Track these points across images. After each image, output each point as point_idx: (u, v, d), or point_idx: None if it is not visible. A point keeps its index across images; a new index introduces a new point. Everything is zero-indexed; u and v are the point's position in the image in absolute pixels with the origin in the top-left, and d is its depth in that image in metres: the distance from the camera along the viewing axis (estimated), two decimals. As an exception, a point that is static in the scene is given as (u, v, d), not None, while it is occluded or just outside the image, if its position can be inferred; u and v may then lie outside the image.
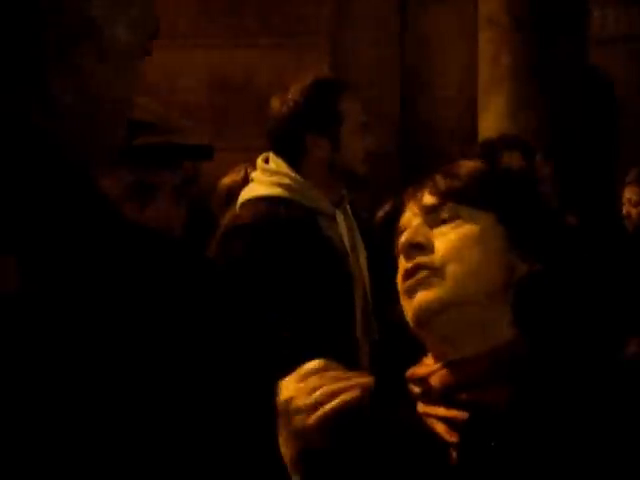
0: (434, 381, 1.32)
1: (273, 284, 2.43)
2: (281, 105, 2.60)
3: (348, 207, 2.68)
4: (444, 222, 1.35)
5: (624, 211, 4.31)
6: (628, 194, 4.28)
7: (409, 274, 1.33)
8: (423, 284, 1.31)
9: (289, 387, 1.26)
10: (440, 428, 1.30)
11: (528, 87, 5.34)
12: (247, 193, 2.63)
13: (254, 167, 2.79)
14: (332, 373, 1.26)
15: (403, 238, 1.36)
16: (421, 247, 1.33)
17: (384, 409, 1.34)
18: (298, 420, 1.23)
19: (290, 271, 2.45)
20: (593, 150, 5.62)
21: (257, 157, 2.69)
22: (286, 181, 2.57)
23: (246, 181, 2.97)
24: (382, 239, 1.42)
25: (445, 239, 1.34)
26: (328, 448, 1.25)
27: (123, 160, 1.73)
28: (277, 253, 2.44)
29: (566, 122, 5.30)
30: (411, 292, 1.32)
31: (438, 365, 1.33)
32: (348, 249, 2.61)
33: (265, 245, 2.44)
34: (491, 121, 5.36)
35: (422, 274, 1.32)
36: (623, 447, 1.23)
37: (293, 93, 2.59)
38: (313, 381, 1.25)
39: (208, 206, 3.48)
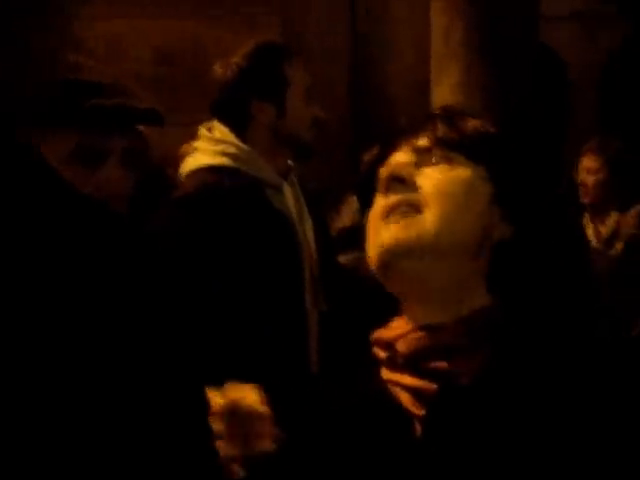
0: (401, 346, 1.23)
1: (217, 255, 2.37)
2: (224, 70, 2.53)
3: (294, 178, 2.62)
4: (432, 165, 1.26)
5: (579, 179, 4.29)
6: (586, 162, 4.26)
7: (388, 210, 1.24)
8: (402, 219, 1.22)
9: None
10: (405, 398, 1.22)
11: (481, 61, 5.30)
12: (191, 163, 2.56)
13: None
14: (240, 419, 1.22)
15: (385, 171, 1.27)
16: (403, 181, 1.25)
17: (339, 378, 1.27)
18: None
19: (236, 242, 2.40)
20: (543, 127, 5.61)
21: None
22: (232, 150, 2.51)
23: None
24: (366, 185, 1.33)
25: (431, 179, 1.24)
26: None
27: (72, 123, 1.68)
28: (222, 224, 2.39)
29: (518, 97, 5.28)
30: (388, 225, 1.23)
31: (408, 328, 1.24)
32: (295, 220, 2.55)
33: (209, 216, 2.39)
34: (445, 95, 5.32)
35: (402, 211, 1.23)
36: (595, 419, 1.16)
37: (237, 58, 2.52)
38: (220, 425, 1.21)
39: (157, 180, 3.41)
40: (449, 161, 1.26)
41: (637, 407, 1.16)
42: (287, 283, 2.48)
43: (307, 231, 2.58)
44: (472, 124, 1.30)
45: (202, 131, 2.58)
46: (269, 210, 2.49)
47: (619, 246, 3.98)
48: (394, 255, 1.22)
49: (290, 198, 2.56)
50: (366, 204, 1.30)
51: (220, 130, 2.54)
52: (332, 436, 1.23)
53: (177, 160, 3.44)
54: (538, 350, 1.21)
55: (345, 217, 4.04)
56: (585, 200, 4.23)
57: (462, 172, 1.26)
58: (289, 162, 2.61)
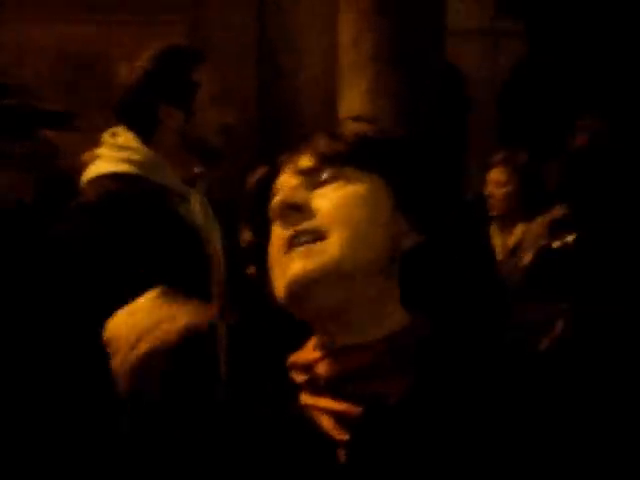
0: (321, 369, 1.16)
1: (118, 266, 2.28)
2: (131, 73, 2.44)
3: (202, 185, 2.55)
4: (324, 183, 1.18)
5: (487, 191, 4.33)
6: (495, 175, 4.30)
7: (290, 242, 1.16)
8: (304, 251, 1.14)
9: (115, 323, 1.13)
10: (327, 423, 1.14)
11: (389, 73, 5.32)
12: (93, 170, 2.47)
13: None
14: (167, 304, 1.11)
15: (277, 199, 1.18)
16: (299, 209, 1.16)
17: (254, 401, 1.18)
18: (115, 361, 1.09)
19: (138, 253, 2.31)
20: (445, 137, 5.67)
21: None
22: (136, 157, 2.42)
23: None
24: (254, 209, 1.25)
25: (327, 200, 1.16)
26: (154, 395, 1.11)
27: None
28: (123, 234, 2.30)
29: (427, 107, 5.32)
30: (290, 259, 1.15)
31: (326, 350, 1.17)
32: (203, 229, 2.48)
33: (110, 225, 2.29)
34: (353, 104, 5.32)
35: (305, 241, 1.15)
36: (502, 429, 1.11)
37: (144, 60, 2.44)
38: (142, 315, 1.11)
39: (64, 186, 3.32)
40: (340, 176, 1.19)
41: (537, 419, 1.12)
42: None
43: (215, 241, 2.51)
44: (354, 131, 1.23)
45: (105, 137, 2.49)
46: (174, 219, 2.41)
47: (525, 255, 4.02)
48: (301, 287, 1.14)
49: (197, 207, 2.49)
50: (259, 232, 1.24)
51: (125, 136, 2.46)
52: (248, 465, 1.14)
53: (81, 166, 3.35)
54: (456, 365, 1.16)
55: None
56: (493, 212, 4.27)
57: (357, 186, 1.18)
58: (197, 169, 2.53)
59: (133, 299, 2.21)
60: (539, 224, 4.02)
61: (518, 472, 1.09)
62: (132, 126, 2.45)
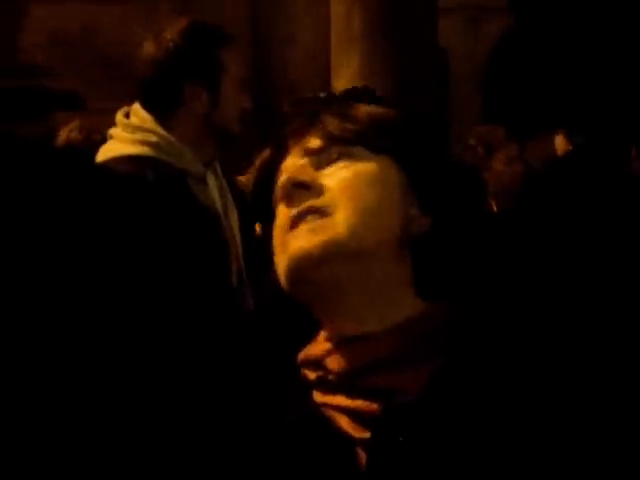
0: (332, 363, 1.08)
1: (133, 252, 2.20)
2: (157, 48, 2.32)
3: (219, 167, 2.46)
4: (332, 162, 1.12)
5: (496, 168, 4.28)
6: (506, 154, 4.24)
7: (295, 221, 1.09)
8: (309, 227, 1.07)
9: None
10: (343, 422, 1.06)
11: (381, 46, 5.27)
12: (106, 152, 2.38)
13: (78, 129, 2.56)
14: None
15: (283, 177, 1.12)
16: (306, 187, 1.10)
17: (270, 401, 1.10)
18: None
19: (156, 238, 2.23)
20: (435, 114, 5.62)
21: (99, 118, 2.45)
22: (153, 139, 2.33)
23: (88, 141, 2.75)
24: (258, 192, 1.17)
25: (335, 178, 1.11)
26: None
27: None
28: (139, 219, 2.22)
29: (419, 83, 5.28)
30: (294, 236, 1.08)
31: (335, 343, 1.09)
32: (220, 213, 2.40)
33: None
34: (344, 79, 5.27)
35: (311, 219, 1.08)
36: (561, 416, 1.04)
37: (172, 34, 2.32)
38: None
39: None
40: (349, 155, 1.13)
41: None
42: (212, 279, 2.33)
43: (232, 224, 2.44)
44: (365, 112, 1.16)
45: (118, 117, 2.39)
46: (192, 203, 2.33)
47: None
48: (305, 264, 1.07)
49: (214, 189, 2.41)
50: (264, 216, 1.16)
51: (139, 116, 2.36)
52: (266, 467, 1.07)
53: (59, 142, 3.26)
54: (486, 352, 1.08)
55: None
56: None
57: (367, 165, 1.12)
58: (214, 151, 2.45)
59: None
60: None
61: (552, 469, 1.02)
62: (152, 103, 2.35)
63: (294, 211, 1.10)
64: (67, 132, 3.26)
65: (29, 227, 0.82)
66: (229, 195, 2.45)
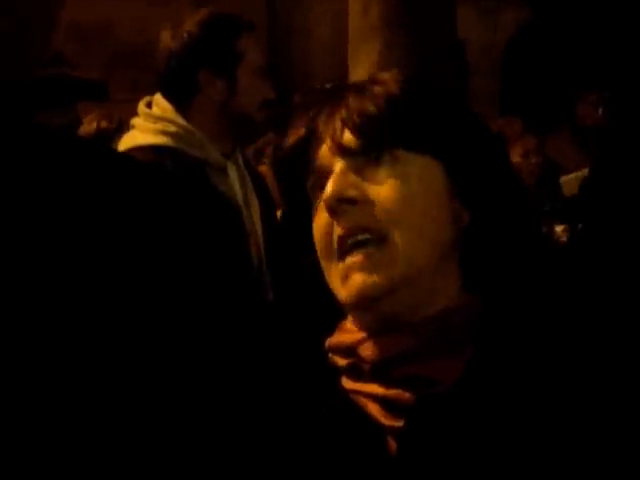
0: (366, 352, 1.07)
1: (153, 242, 2.20)
2: (173, 37, 2.34)
3: (240, 157, 2.46)
4: (375, 167, 1.09)
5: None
6: (523, 147, 4.22)
7: (344, 239, 1.07)
8: (366, 259, 1.05)
9: None
10: (374, 409, 1.06)
11: (399, 38, 5.25)
12: (127, 142, 2.38)
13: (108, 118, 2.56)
14: None
15: (329, 190, 1.08)
16: (353, 202, 1.07)
17: (297, 386, 1.10)
18: None
19: (176, 229, 2.22)
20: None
21: (116, 111, 2.45)
22: (172, 129, 2.33)
23: (100, 133, 2.76)
24: (287, 177, 1.16)
25: (383, 190, 1.07)
26: None
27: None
28: (160, 211, 2.21)
29: (436, 77, 5.25)
30: (350, 267, 1.06)
31: (370, 331, 1.08)
32: (241, 204, 2.39)
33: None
34: (362, 72, 5.25)
35: (361, 237, 1.06)
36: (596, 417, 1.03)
37: (188, 25, 2.33)
38: None
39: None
40: (392, 160, 1.09)
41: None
42: (232, 270, 2.32)
43: (253, 214, 2.43)
44: (399, 108, 1.11)
45: (140, 107, 2.40)
46: (212, 194, 2.33)
47: None
48: (368, 299, 1.07)
49: (235, 180, 2.40)
50: (291, 200, 1.15)
51: (161, 106, 2.37)
52: (295, 454, 1.07)
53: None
54: (519, 344, 1.07)
55: None
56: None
57: (412, 171, 1.09)
58: (235, 141, 2.43)
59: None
60: None
61: (585, 462, 1.01)
62: (170, 93, 2.35)
63: (342, 229, 1.08)
64: (96, 121, 3.25)
65: (43, 216, 0.84)
66: (250, 185, 2.44)
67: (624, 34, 8.78)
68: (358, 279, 1.06)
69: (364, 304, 1.07)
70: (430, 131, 1.11)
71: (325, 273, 1.11)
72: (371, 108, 1.10)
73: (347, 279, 1.07)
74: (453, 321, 1.08)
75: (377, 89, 1.11)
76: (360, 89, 1.12)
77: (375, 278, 1.06)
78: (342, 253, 1.07)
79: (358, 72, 5.26)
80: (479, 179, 1.12)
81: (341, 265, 1.07)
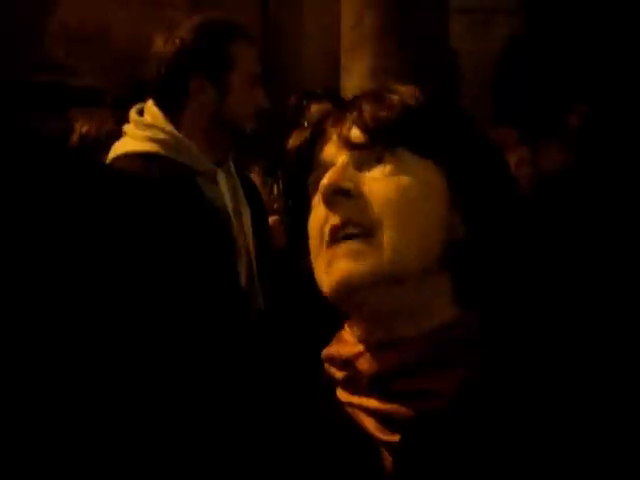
0: (363, 365, 1.07)
1: (141, 250, 2.19)
2: (165, 43, 2.33)
3: (232, 166, 2.45)
4: (376, 164, 1.08)
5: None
6: (520, 154, 4.21)
7: (336, 230, 1.06)
8: (353, 249, 1.05)
9: None
10: (369, 423, 1.05)
11: (392, 47, 5.26)
12: (118, 148, 2.37)
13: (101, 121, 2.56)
14: None
15: (326, 180, 1.08)
16: (348, 194, 1.07)
17: (290, 397, 1.09)
18: None
19: (162, 237, 2.22)
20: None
21: (113, 114, 2.45)
22: (161, 136, 2.31)
23: (88, 139, 2.76)
24: (293, 175, 1.16)
25: (379, 187, 1.07)
26: None
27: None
28: (146, 217, 2.21)
29: (432, 84, 5.26)
30: (335, 255, 1.06)
31: (367, 345, 1.08)
32: (231, 213, 2.38)
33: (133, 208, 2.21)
34: (355, 80, 5.26)
35: (351, 231, 1.05)
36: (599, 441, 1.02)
37: (181, 30, 2.32)
38: None
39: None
40: (394, 160, 1.09)
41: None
42: (219, 282, 2.31)
43: (244, 223, 2.41)
44: (411, 109, 1.10)
45: (132, 114, 2.39)
46: (200, 202, 2.32)
47: None
48: (349, 289, 1.06)
49: (225, 189, 2.38)
50: (296, 202, 1.15)
51: (151, 113, 2.36)
52: (287, 467, 1.06)
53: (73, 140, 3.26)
54: (520, 364, 1.07)
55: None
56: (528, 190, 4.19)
57: (412, 173, 1.08)
58: (227, 149, 2.42)
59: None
60: None
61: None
62: (162, 99, 2.34)
63: (336, 219, 1.07)
64: (86, 127, 3.24)
65: (32, 226, 0.83)
66: (241, 194, 2.42)
67: (617, 45, 8.81)
68: (342, 265, 1.05)
69: (346, 292, 1.06)
70: (439, 138, 1.11)
71: (313, 264, 1.10)
72: (385, 114, 1.10)
73: (331, 266, 1.06)
74: (450, 336, 1.07)
75: (394, 98, 1.11)
76: (376, 97, 1.12)
77: (359, 266, 1.05)
78: (331, 242, 1.07)
79: (351, 81, 5.27)
80: (481, 190, 1.12)
81: (328, 252, 1.07)
